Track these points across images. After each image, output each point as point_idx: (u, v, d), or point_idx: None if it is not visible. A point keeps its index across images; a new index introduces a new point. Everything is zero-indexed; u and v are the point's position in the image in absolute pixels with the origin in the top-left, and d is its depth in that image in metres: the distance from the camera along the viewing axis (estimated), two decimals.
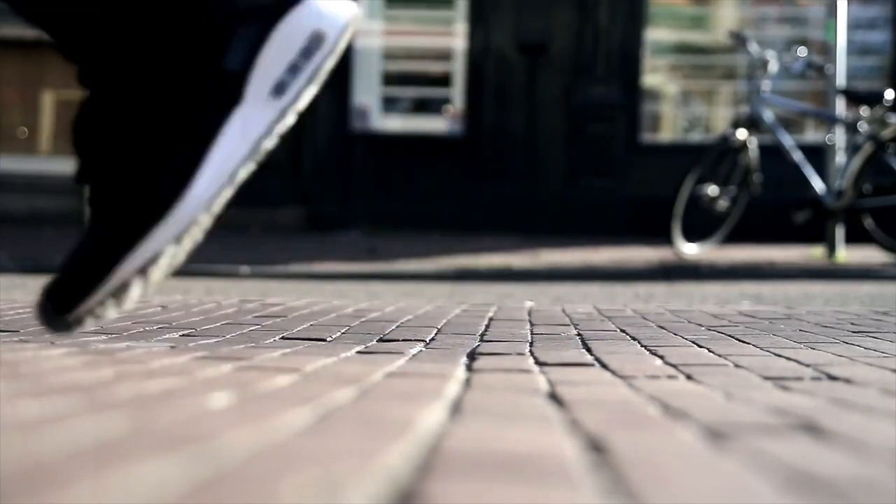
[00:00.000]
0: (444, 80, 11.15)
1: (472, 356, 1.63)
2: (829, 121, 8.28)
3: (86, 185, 1.87)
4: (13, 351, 1.58)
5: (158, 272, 1.80)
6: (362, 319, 2.42)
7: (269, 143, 1.84)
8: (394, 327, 2.20)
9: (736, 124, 8.18)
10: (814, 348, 1.81)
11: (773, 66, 8.13)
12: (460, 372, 1.41)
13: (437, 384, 1.26)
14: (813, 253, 8.32)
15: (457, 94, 11.06)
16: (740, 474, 0.78)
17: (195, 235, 1.81)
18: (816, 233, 8.28)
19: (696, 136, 11.30)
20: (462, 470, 0.76)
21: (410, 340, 1.90)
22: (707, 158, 8.02)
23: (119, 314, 1.85)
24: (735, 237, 8.27)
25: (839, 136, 8.15)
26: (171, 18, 1.83)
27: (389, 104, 11.16)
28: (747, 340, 1.95)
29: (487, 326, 2.26)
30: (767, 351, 1.76)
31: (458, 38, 11.09)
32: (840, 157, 8.08)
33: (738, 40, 8.46)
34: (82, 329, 1.82)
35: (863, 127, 7.90)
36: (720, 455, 0.85)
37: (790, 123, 9.76)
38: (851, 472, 0.80)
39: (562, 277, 6.87)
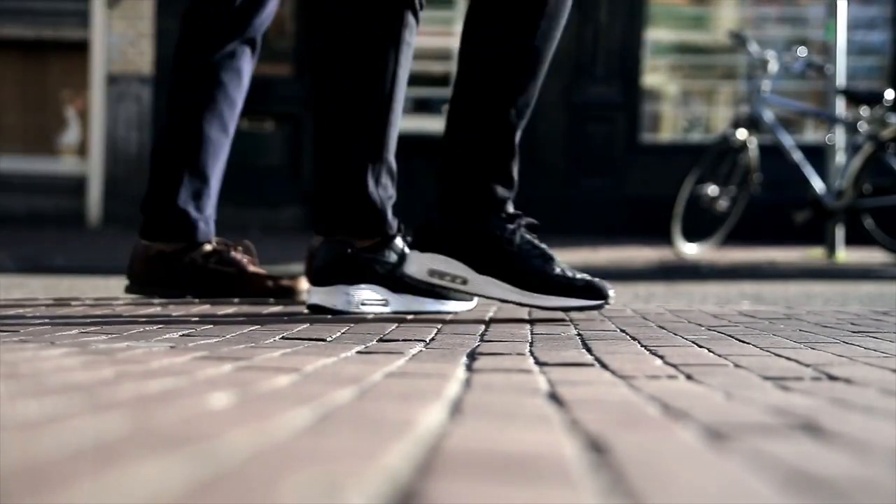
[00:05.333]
0: (444, 80, 11.15)
1: (472, 356, 1.63)
2: (829, 121, 8.28)
3: None
4: (13, 351, 1.58)
5: None
6: (362, 319, 2.42)
7: None
8: (394, 327, 2.20)
9: (736, 124, 8.18)
10: (814, 348, 1.81)
11: (773, 66, 8.13)
12: (460, 372, 1.41)
13: (437, 384, 1.26)
14: (813, 253, 8.32)
15: None
16: (740, 474, 0.78)
17: None
18: (816, 233, 8.28)
19: (696, 136, 11.30)
20: (462, 470, 0.76)
21: (410, 340, 1.90)
22: (707, 158, 8.02)
23: None
24: (735, 237, 8.27)
25: (839, 136, 8.15)
26: None
27: None
28: (747, 340, 1.95)
29: (487, 326, 2.26)
30: (767, 351, 1.76)
31: (458, 39, 11.10)
32: (840, 157, 8.08)
33: (738, 40, 8.46)
34: None
35: (863, 127, 7.90)
36: (720, 455, 0.85)
37: (790, 123, 9.76)
38: (851, 472, 0.80)
39: None
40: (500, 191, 2.54)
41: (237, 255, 3.24)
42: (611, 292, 2.49)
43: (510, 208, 2.57)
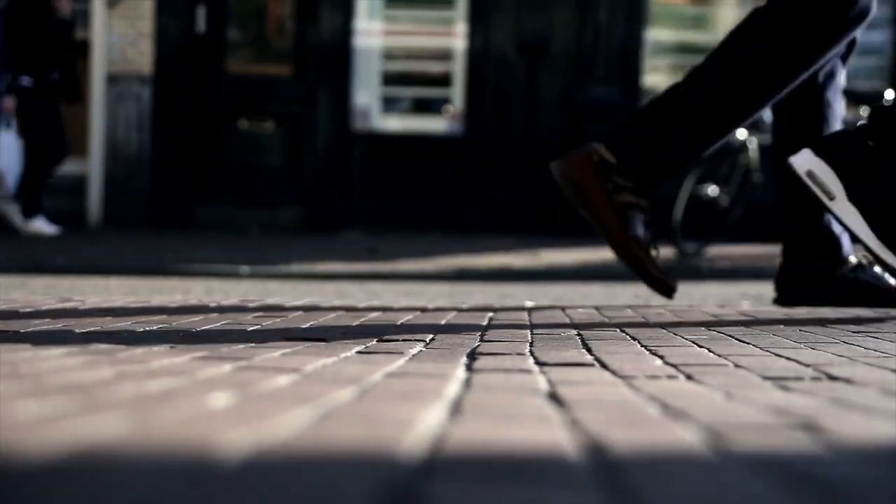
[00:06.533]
0: (444, 80, 11.15)
1: (472, 356, 1.63)
2: None
3: None
4: (13, 351, 1.58)
5: None
6: (362, 319, 2.42)
7: None
8: (394, 327, 2.20)
9: None
10: (814, 348, 1.81)
11: None
12: (460, 372, 1.41)
13: (437, 384, 1.26)
14: None
15: (457, 94, 11.06)
16: (740, 474, 0.78)
17: None
18: None
19: None
20: (462, 470, 0.76)
21: (410, 340, 1.90)
22: (707, 158, 8.03)
23: None
24: (735, 237, 8.27)
25: None
26: None
27: (389, 104, 11.16)
28: (747, 340, 1.95)
29: (487, 326, 2.26)
30: (767, 351, 1.76)
31: (458, 38, 11.09)
32: None
33: None
34: None
35: None
36: (720, 455, 0.85)
37: None
38: (851, 472, 0.80)
39: (562, 277, 6.87)
40: None
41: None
42: None
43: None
